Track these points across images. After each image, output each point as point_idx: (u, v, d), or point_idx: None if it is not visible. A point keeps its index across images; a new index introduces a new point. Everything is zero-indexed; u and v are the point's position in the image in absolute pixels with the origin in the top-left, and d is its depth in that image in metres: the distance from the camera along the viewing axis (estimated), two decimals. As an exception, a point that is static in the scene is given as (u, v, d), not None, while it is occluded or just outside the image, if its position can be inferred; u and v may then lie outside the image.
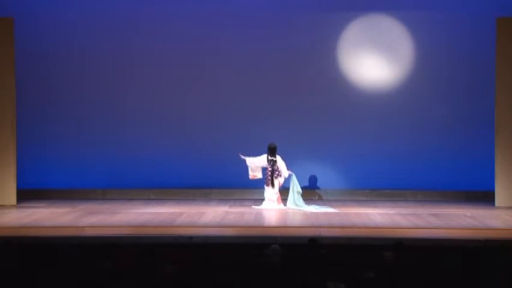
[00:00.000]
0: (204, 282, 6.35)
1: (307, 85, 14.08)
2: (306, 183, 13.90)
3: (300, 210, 12.15)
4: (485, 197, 13.21)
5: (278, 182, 12.50)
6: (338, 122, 14.05)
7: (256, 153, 12.98)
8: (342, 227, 10.16)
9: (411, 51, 14.00)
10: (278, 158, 12.53)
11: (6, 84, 12.72)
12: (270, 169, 12.49)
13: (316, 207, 12.32)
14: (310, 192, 13.79)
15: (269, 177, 12.47)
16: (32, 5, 13.93)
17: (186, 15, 14.03)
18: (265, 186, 12.49)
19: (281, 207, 12.38)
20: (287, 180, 12.53)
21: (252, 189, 13.09)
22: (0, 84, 12.72)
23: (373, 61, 14.04)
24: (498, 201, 12.68)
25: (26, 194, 13.30)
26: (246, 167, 12.77)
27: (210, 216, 11.25)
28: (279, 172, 12.48)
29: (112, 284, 6.25)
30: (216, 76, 14.11)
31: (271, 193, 12.43)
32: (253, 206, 12.49)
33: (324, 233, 9.52)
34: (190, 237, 9.09)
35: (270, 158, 12.52)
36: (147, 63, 14.09)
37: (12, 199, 12.73)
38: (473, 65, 13.80)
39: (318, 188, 14.00)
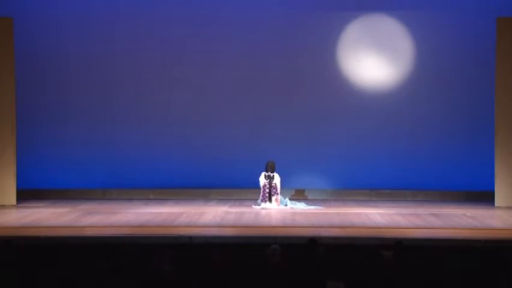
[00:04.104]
0: (203, 282, 6.35)
1: (307, 85, 14.07)
2: (306, 183, 13.90)
3: (292, 208, 12.28)
4: (485, 197, 13.20)
5: (276, 198, 12.47)
6: (338, 121, 14.04)
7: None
8: (342, 227, 10.16)
9: (411, 51, 13.99)
10: (276, 175, 12.53)
11: (6, 84, 12.71)
12: (267, 186, 12.48)
13: (305, 205, 12.42)
14: (310, 192, 13.81)
15: (266, 194, 12.45)
16: (31, 5, 13.92)
17: (184, 15, 14.02)
18: (262, 203, 12.46)
19: (281, 208, 12.37)
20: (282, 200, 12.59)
21: (252, 189, 13.07)
22: (0, 84, 12.72)
23: (373, 61, 14.03)
24: (498, 201, 12.67)
25: (26, 194, 13.30)
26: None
27: (209, 216, 11.24)
28: (276, 190, 12.47)
29: (112, 284, 6.25)
30: (215, 76, 14.10)
31: (268, 206, 12.39)
32: (253, 206, 12.49)
33: (324, 233, 9.50)
34: (190, 237, 9.09)
35: (267, 174, 12.51)
36: (147, 63, 14.08)
37: (12, 199, 12.72)
38: (473, 65, 13.79)
39: (317, 187, 13.98)
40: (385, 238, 9.03)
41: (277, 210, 12.16)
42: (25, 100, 13.68)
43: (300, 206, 12.43)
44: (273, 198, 12.47)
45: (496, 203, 12.64)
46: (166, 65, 14.10)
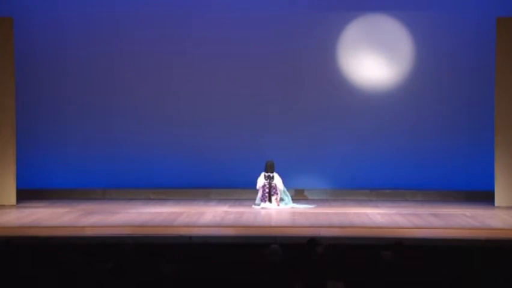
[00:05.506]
0: (203, 282, 6.35)
1: (307, 85, 14.07)
2: (306, 183, 13.91)
3: (291, 207, 12.34)
4: (485, 197, 13.20)
5: (275, 198, 12.47)
6: (338, 121, 14.04)
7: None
8: (341, 227, 10.16)
9: (411, 51, 13.99)
10: (276, 175, 12.53)
11: (6, 84, 12.71)
12: (267, 186, 12.48)
13: (297, 205, 12.49)
14: (310, 192, 13.82)
15: (266, 194, 12.45)
16: (31, 5, 13.92)
17: (185, 15, 14.02)
18: (262, 203, 12.47)
19: (281, 208, 12.37)
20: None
21: (252, 189, 13.07)
22: (0, 84, 12.72)
23: (373, 61, 14.03)
24: (498, 201, 12.67)
25: (26, 194, 13.29)
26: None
27: (209, 216, 11.25)
28: (276, 190, 12.47)
29: (112, 284, 6.25)
30: (215, 76, 14.10)
31: (268, 206, 12.39)
32: (253, 206, 12.49)
33: (324, 233, 9.51)
34: (190, 237, 9.09)
35: (266, 174, 12.51)
36: (146, 64, 14.08)
37: (12, 199, 12.72)
38: (473, 65, 13.79)
39: (317, 187, 13.97)
40: (385, 238, 9.03)
41: (277, 210, 12.16)
42: (25, 100, 13.68)
43: (295, 206, 12.46)
44: (273, 198, 12.47)
45: (496, 203, 12.64)
46: (166, 66, 14.09)
